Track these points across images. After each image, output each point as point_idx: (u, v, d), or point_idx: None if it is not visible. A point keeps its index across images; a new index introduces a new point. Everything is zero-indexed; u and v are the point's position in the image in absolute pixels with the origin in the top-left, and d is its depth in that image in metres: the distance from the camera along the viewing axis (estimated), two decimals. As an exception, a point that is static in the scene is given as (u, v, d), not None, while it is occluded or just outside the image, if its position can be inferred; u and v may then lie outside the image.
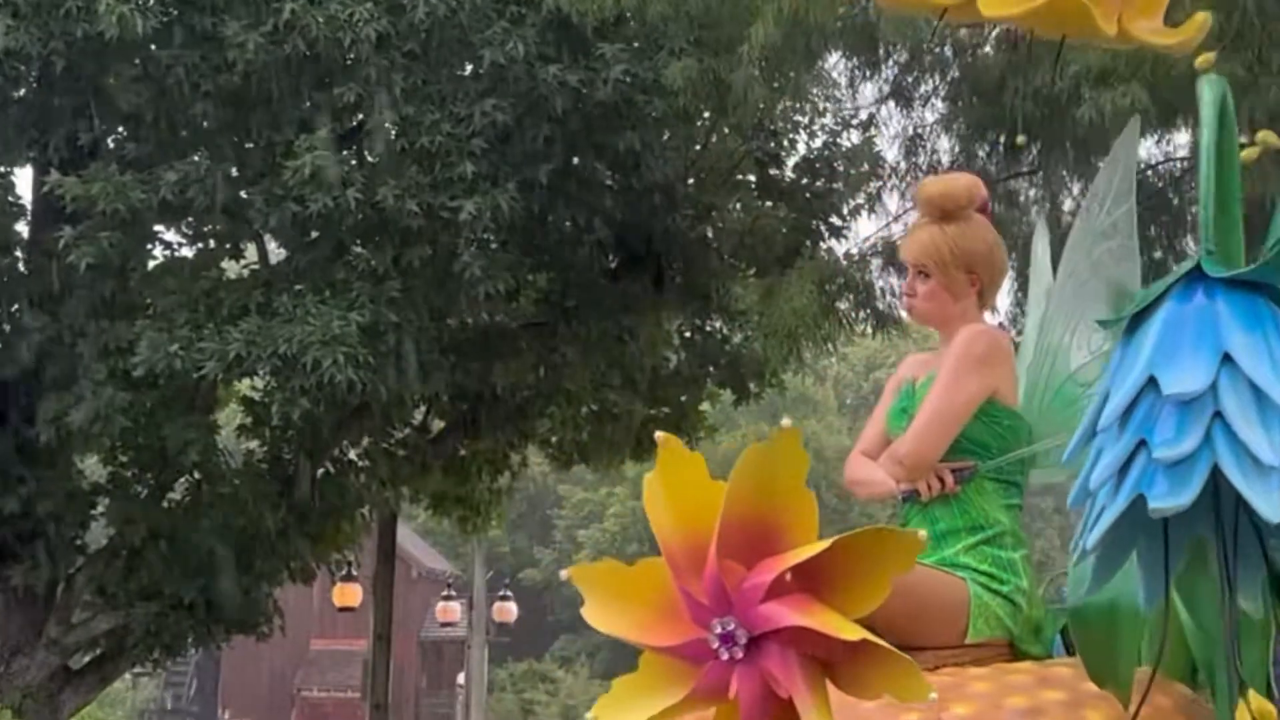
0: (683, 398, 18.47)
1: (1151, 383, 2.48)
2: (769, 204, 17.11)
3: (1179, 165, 16.05)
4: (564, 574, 2.39)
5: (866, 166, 16.01)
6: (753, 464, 2.19)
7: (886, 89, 15.30)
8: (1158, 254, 16.36)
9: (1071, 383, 3.98)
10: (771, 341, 14.11)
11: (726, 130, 16.56)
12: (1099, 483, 2.48)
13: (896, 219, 15.59)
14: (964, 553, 3.60)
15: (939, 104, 15.11)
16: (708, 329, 18.12)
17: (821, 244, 16.52)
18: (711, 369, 18.11)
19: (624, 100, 14.29)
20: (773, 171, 17.28)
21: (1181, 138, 16.18)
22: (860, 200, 16.34)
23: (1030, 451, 3.86)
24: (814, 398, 50.96)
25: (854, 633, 2.17)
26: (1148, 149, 16.21)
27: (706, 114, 15.91)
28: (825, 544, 2.18)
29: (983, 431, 3.74)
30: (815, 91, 16.14)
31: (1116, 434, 2.49)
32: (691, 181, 16.67)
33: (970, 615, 3.53)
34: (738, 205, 17.47)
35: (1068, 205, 16.48)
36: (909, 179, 15.43)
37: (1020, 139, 12.56)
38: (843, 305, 14.93)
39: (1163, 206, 16.13)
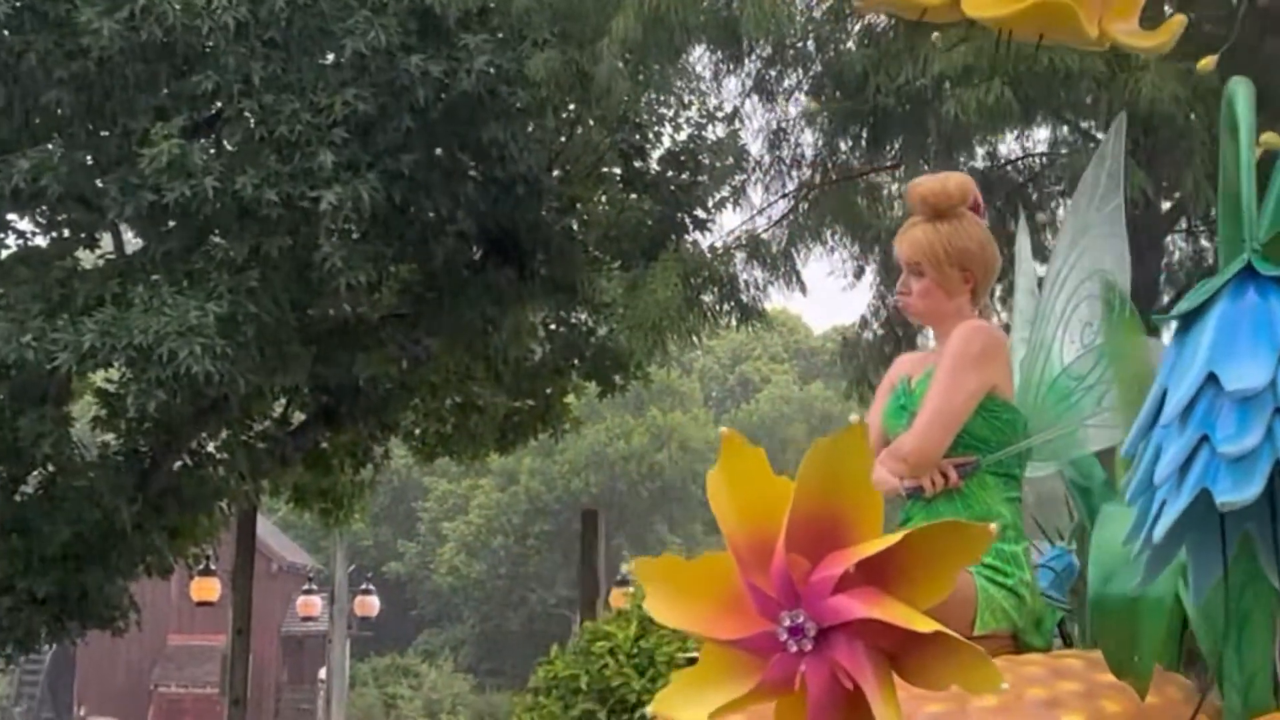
0: (547, 390, 18.41)
1: (1211, 379, 2.53)
2: (634, 196, 17.08)
3: (1039, 160, 16.25)
4: (625, 568, 2.34)
5: (731, 160, 16.04)
6: (819, 459, 2.23)
7: (750, 83, 15.36)
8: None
9: (1065, 376, 4.06)
10: (636, 334, 14.11)
11: (591, 122, 16.52)
12: (1163, 478, 2.53)
13: (760, 212, 15.66)
14: None
15: (802, 98, 15.18)
16: (573, 321, 18.07)
17: (686, 237, 16.52)
18: (576, 361, 18.06)
19: (488, 91, 14.20)
20: (637, 164, 17.27)
21: (1041, 133, 16.39)
22: (725, 193, 16.37)
23: (1030, 444, 3.93)
24: (680, 390, 51.08)
25: (926, 625, 2.20)
26: (1008, 145, 16.42)
27: (571, 106, 15.86)
28: (897, 537, 2.20)
29: (982, 426, 3.81)
30: (679, 85, 16.16)
31: (1178, 430, 2.54)
32: (556, 173, 16.61)
33: (977, 608, 3.59)
34: (603, 198, 17.44)
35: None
36: (772, 172, 15.50)
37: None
38: (707, 298, 14.97)
39: (1023, 201, 16.33)
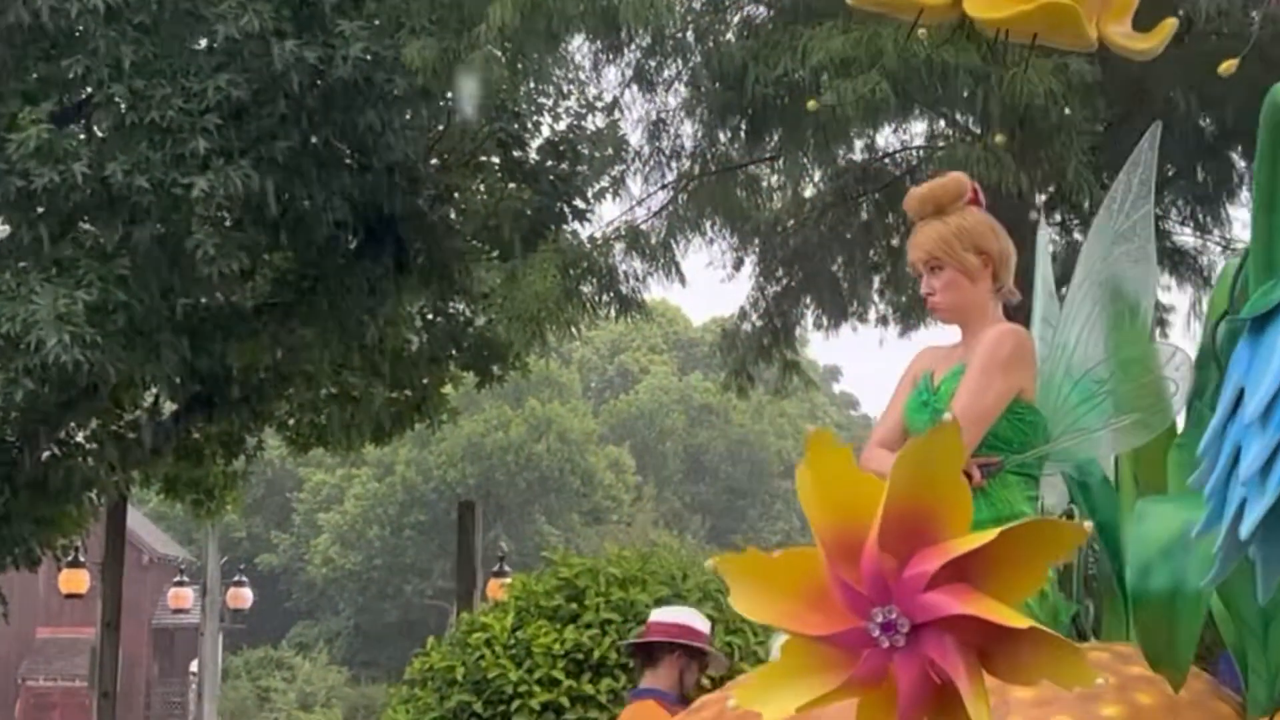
0: (424, 380, 18.27)
1: None
2: (512, 186, 16.99)
3: (916, 154, 16.34)
4: (709, 564, 2.46)
5: (610, 150, 15.98)
6: (913, 455, 2.27)
7: (629, 73, 15.33)
8: (895, 241, 16.68)
9: (1088, 380, 4.15)
10: (514, 324, 14.05)
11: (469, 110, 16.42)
12: (1247, 476, 2.56)
13: (640, 203, 15.64)
14: None
15: (681, 89, 15.17)
16: (450, 311, 17.95)
17: (565, 227, 16.47)
18: (454, 351, 17.95)
19: (364, 78, 14.08)
20: (516, 153, 17.17)
21: (919, 127, 16.49)
22: (604, 184, 16.33)
23: (1057, 448, 4.06)
24: (559, 380, 50.96)
25: (1021, 621, 2.22)
26: (885, 137, 16.50)
27: (449, 94, 15.75)
28: (992, 535, 2.23)
29: (1007, 428, 3.94)
30: (558, 74, 16.09)
31: (1259, 430, 2.56)
32: (434, 162, 16.49)
33: None
34: (481, 186, 17.33)
35: (809, 192, 16.70)
36: (652, 163, 15.48)
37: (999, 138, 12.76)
38: (586, 289, 14.92)
39: (899, 195, 16.41)
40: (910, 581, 2.25)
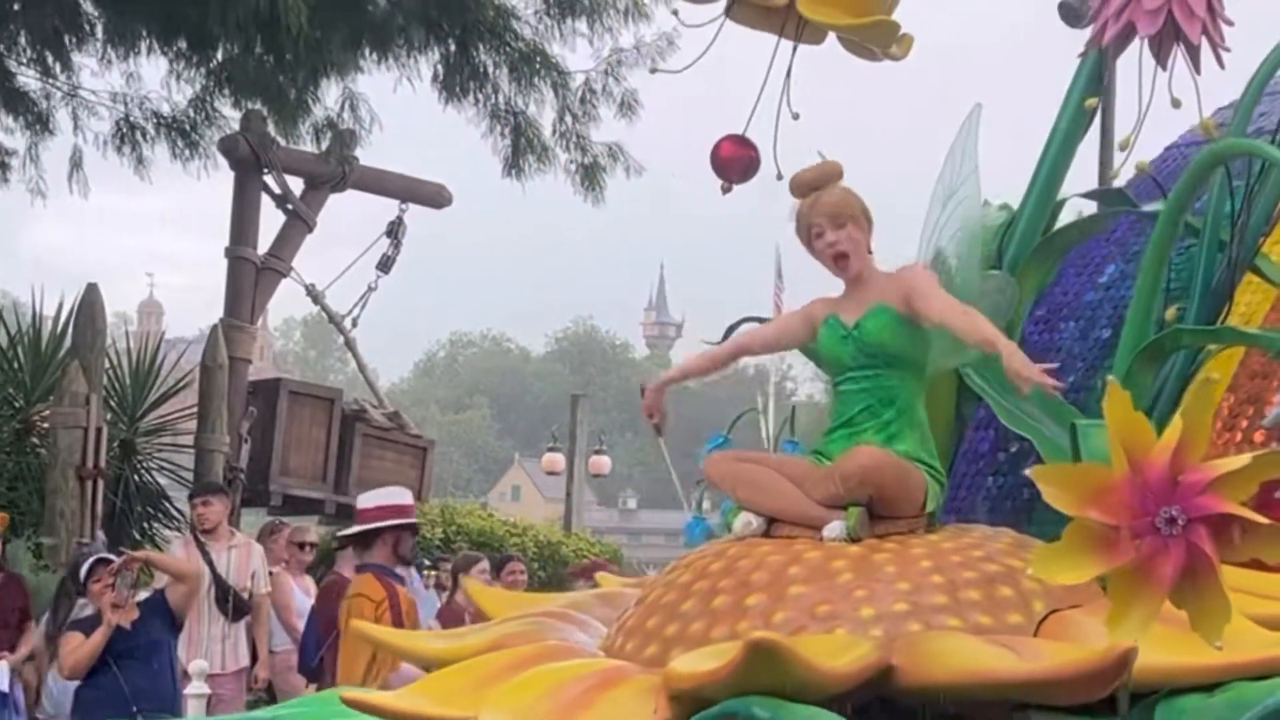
0: None
1: None
2: None
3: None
4: (1028, 471, 3.26)
5: None
6: (1194, 404, 3.17)
7: None
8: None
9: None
10: None
11: None
12: None
13: None
14: (915, 447, 4.52)
15: None
16: None
17: None
18: None
19: None
20: None
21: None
22: None
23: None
24: None
25: (1264, 519, 3.11)
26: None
27: None
28: (1247, 459, 3.12)
29: (921, 354, 4.61)
30: None
31: None
32: None
33: (927, 494, 4.49)
34: None
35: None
36: None
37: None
38: None
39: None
40: (1190, 487, 3.11)
